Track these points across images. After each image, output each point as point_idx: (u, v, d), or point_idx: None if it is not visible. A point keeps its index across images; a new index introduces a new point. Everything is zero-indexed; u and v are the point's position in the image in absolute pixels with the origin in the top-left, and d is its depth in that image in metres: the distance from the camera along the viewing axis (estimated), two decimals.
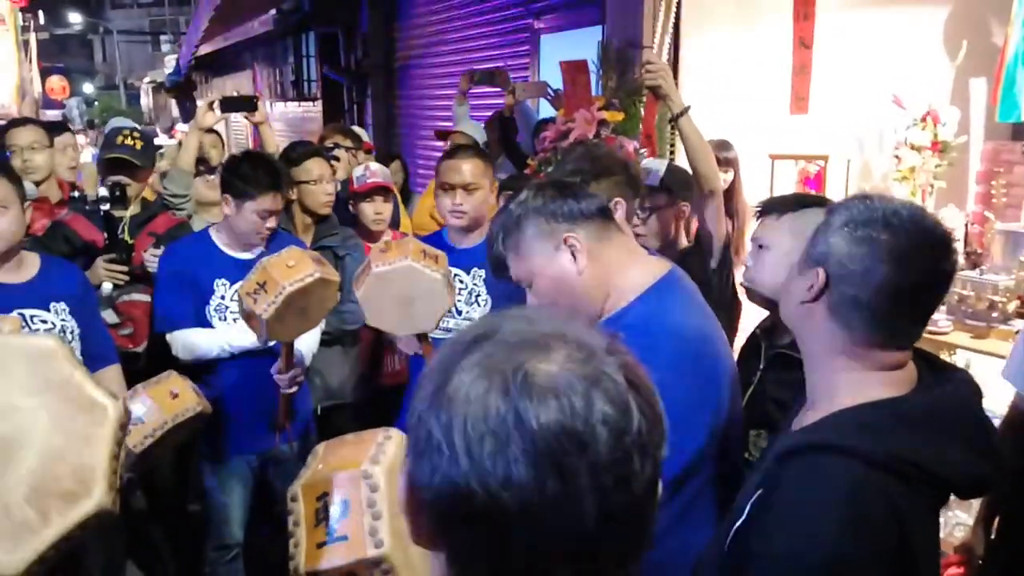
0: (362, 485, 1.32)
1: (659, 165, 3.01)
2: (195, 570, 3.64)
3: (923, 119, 3.88)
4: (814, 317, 1.34)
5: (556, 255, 1.76)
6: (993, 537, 2.40)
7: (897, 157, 3.90)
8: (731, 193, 3.62)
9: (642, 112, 3.87)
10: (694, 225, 3.07)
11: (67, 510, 1.51)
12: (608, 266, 1.78)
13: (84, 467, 1.55)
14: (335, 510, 1.31)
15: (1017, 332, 3.07)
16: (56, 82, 25.06)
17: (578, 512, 0.70)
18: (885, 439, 1.24)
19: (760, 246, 2.11)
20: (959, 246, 3.57)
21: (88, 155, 9.91)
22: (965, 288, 3.30)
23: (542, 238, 1.77)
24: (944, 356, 2.80)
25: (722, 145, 3.62)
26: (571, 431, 0.70)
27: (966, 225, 3.72)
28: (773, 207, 2.12)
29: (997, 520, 2.39)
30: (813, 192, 3.90)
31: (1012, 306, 3.17)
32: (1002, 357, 2.91)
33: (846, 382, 1.32)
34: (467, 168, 2.95)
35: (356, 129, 5.69)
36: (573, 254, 1.75)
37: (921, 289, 1.29)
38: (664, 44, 3.13)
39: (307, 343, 3.08)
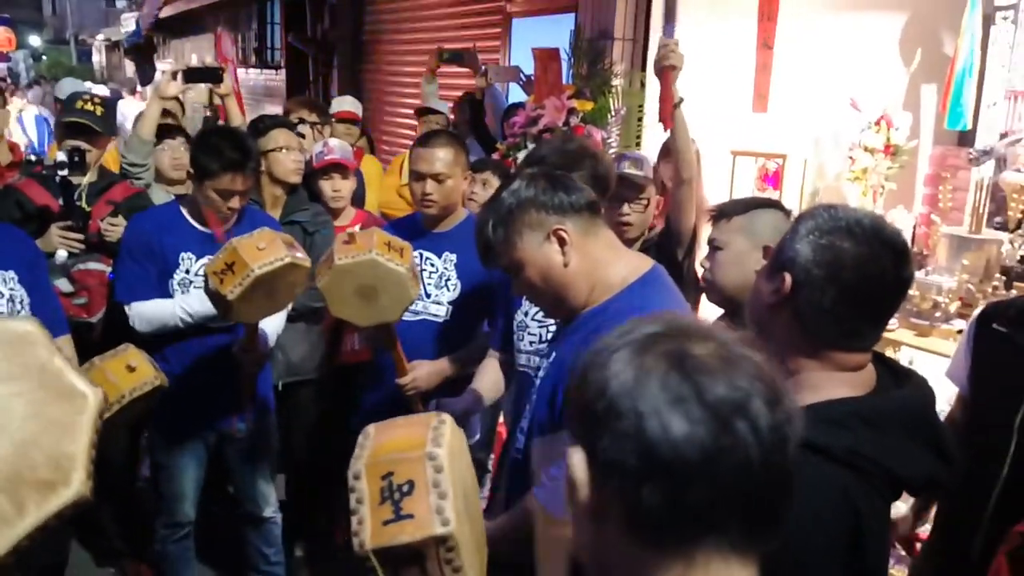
0: (427, 466, 1.36)
1: (643, 157, 3.10)
2: (144, 547, 3.63)
3: (877, 122, 4.01)
4: (779, 319, 1.43)
5: (544, 246, 1.82)
6: (930, 530, 2.51)
7: (851, 158, 4.03)
8: None
9: (612, 103, 3.99)
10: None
11: (43, 500, 1.48)
12: (594, 260, 1.84)
13: (62, 456, 1.51)
14: (401, 489, 1.35)
15: (959, 332, 3.22)
16: (2, 33, 24.13)
17: (746, 464, 0.82)
18: (845, 436, 1.32)
19: (715, 247, 2.21)
20: None
21: (32, 114, 9.62)
22: (911, 288, 3.42)
23: (532, 228, 1.82)
24: (889, 353, 2.92)
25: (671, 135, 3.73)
26: (737, 400, 0.83)
27: (914, 227, 3.86)
28: (725, 210, 2.23)
29: (934, 512, 2.50)
30: (770, 189, 4.04)
31: (954, 307, 3.32)
32: (943, 355, 3.05)
33: (809, 381, 1.41)
34: (438, 158, 2.94)
35: (342, 99, 5.63)
36: (561, 246, 1.81)
37: (880, 295, 1.39)
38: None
39: (272, 324, 3.08)
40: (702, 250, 3.28)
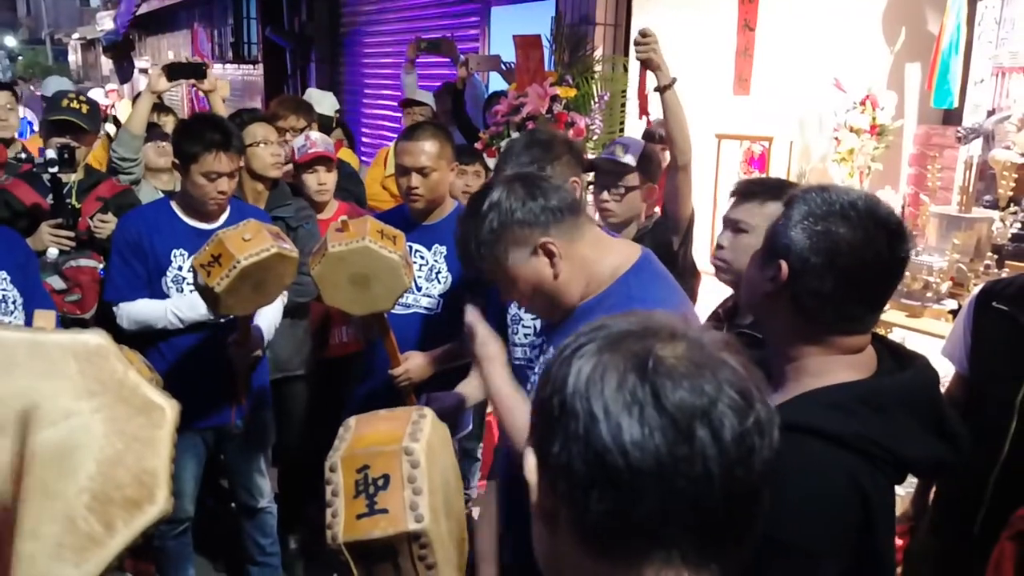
0: (403, 461, 1.35)
1: (636, 143, 3.05)
2: (142, 543, 3.64)
3: (862, 102, 4.00)
4: (777, 307, 1.40)
5: (532, 260, 1.78)
6: (931, 508, 2.51)
7: (836, 139, 4.01)
8: None
9: (595, 89, 3.95)
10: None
11: (131, 518, 1.46)
12: (583, 261, 1.80)
13: (145, 472, 1.49)
14: (376, 483, 1.34)
15: (950, 311, 3.21)
16: None
17: (704, 477, 0.76)
18: (850, 419, 1.30)
19: (740, 229, 2.15)
20: None
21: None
22: None
23: (517, 245, 1.77)
24: (880, 333, 2.91)
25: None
26: (699, 406, 0.76)
27: (903, 207, 3.85)
28: (755, 191, 2.17)
29: (934, 491, 2.50)
30: (756, 172, 4.02)
31: (945, 286, 3.31)
32: (935, 335, 3.04)
33: (811, 366, 1.39)
34: (423, 151, 2.90)
35: (321, 95, 5.56)
36: (550, 258, 1.77)
37: (878, 277, 1.36)
38: None
39: (268, 319, 3.07)
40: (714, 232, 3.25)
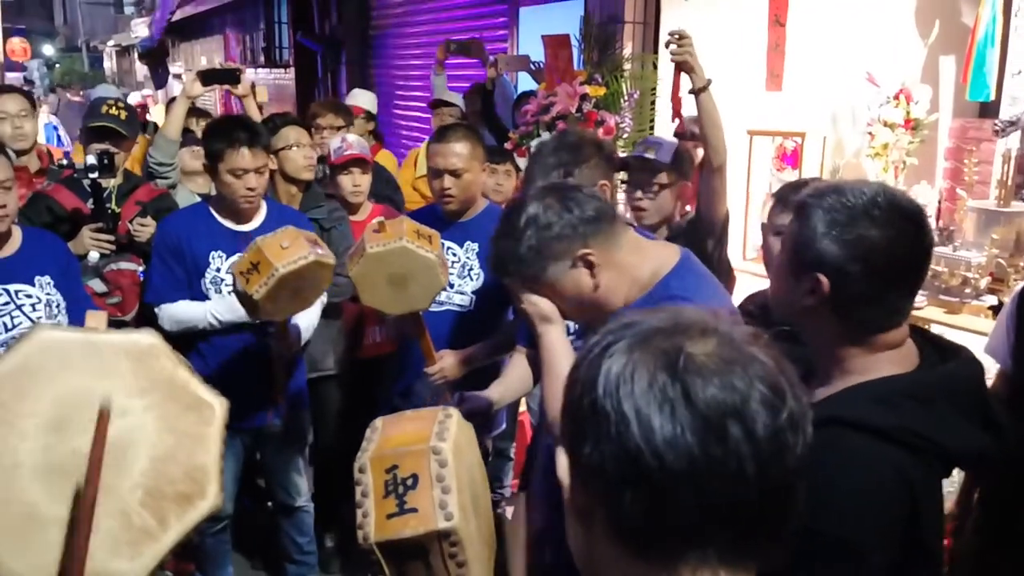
0: (431, 460, 1.36)
1: (668, 141, 3.02)
2: (186, 544, 3.69)
3: (896, 97, 3.95)
4: (818, 317, 1.39)
5: (572, 273, 1.74)
6: (976, 506, 2.49)
7: (870, 134, 3.98)
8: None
9: (624, 87, 3.94)
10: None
11: (183, 513, 1.50)
12: (624, 267, 1.77)
13: (196, 468, 1.52)
14: (405, 483, 1.36)
15: (989, 307, 3.16)
16: (17, 44, 24.33)
17: (739, 475, 0.75)
18: (894, 412, 1.30)
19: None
20: (932, 222, 3.66)
21: (42, 122, 9.68)
22: (939, 264, 3.37)
23: (556, 259, 1.73)
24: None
25: (697, 120, 3.67)
26: (731, 403, 0.76)
27: (939, 202, 3.80)
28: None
29: (979, 489, 2.47)
30: (788, 168, 3.99)
31: (984, 282, 3.27)
32: (975, 332, 3.00)
33: (856, 365, 1.38)
34: (454, 152, 2.92)
35: (355, 93, 5.60)
36: (590, 269, 1.73)
37: (911, 268, 1.37)
38: None
39: (306, 319, 3.09)
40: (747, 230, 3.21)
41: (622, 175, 3.06)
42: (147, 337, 1.61)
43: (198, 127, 4.61)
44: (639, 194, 2.93)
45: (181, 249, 3.03)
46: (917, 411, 1.31)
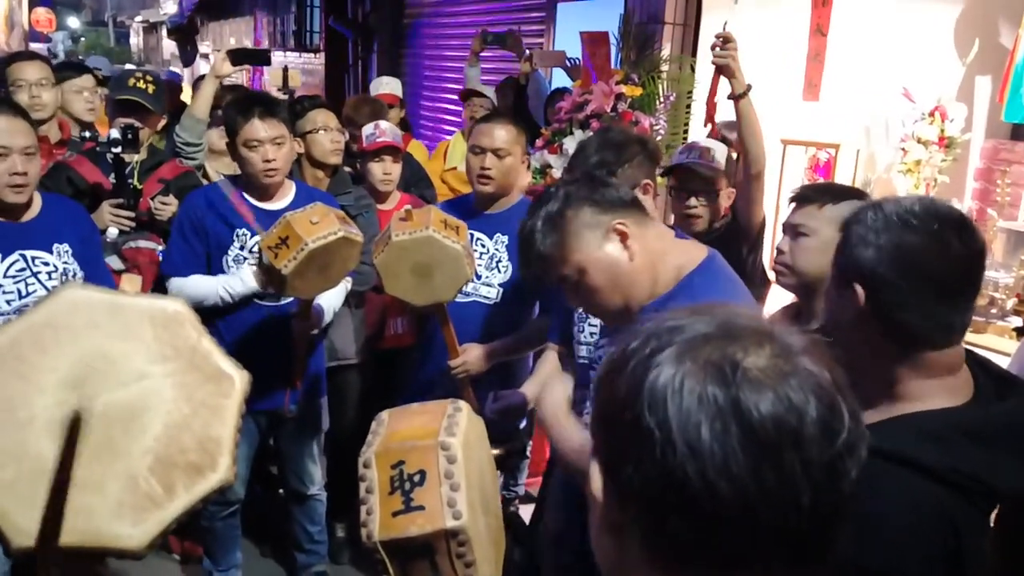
0: (440, 456, 1.31)
1: (719, 145, 2.99)
2: (191, 524, 3.69)
3: (931, 114, 3.93)
4: (864, 332, 1.36)
5: (605, 244, 1.74)
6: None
7: (903, 150, 3.96)
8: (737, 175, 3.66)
9: (661, 89, 3.93)
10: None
11: (192, 484, 1.47)
12: (653, 251, 1.77)
13: (210, 439, 1.50)
14: (412, 479, 1.30)
15: (1014, 329, 3.15)
16: (43, 14, 24.32)
17: (792, 504, 0.71)
18: (947, 453, 1.25)
19: (800, 233, 2.15)
20: None
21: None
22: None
23: (590, 228, 1.73)
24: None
25: (731, 126, 3.66)
26: (788, 425, 0.71)
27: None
28: (812, 196, 2.17)
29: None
30: (820, 179, 3.97)
31: (1011, 303, 3.26)
32: (998, 352, 2.98)
33: (907, 391, 1.34)
34: (500, 133, 2.92)
35: (380, 80, 5.59)
36: (623, 241, 1.73)
37: (956, 275, 1.32)
38: None
39: (328, 300, 3.09)
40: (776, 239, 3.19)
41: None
42: (174, 304, 1.61)
43: None
44: (694, 201, 2.89)
45: (204, 225, 3.02)
46: (972, 451, 1.26)
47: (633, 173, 2.52)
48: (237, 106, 3.03)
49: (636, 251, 1.74)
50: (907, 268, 1.30)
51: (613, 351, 0.81)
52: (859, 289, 1.34)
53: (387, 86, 5.41)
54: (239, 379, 1.57)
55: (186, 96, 8.89)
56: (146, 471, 1.47)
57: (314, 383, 3.32)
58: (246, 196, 3.10)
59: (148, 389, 1.51)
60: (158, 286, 3.40)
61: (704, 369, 0.72)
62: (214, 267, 3.05)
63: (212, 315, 3.03)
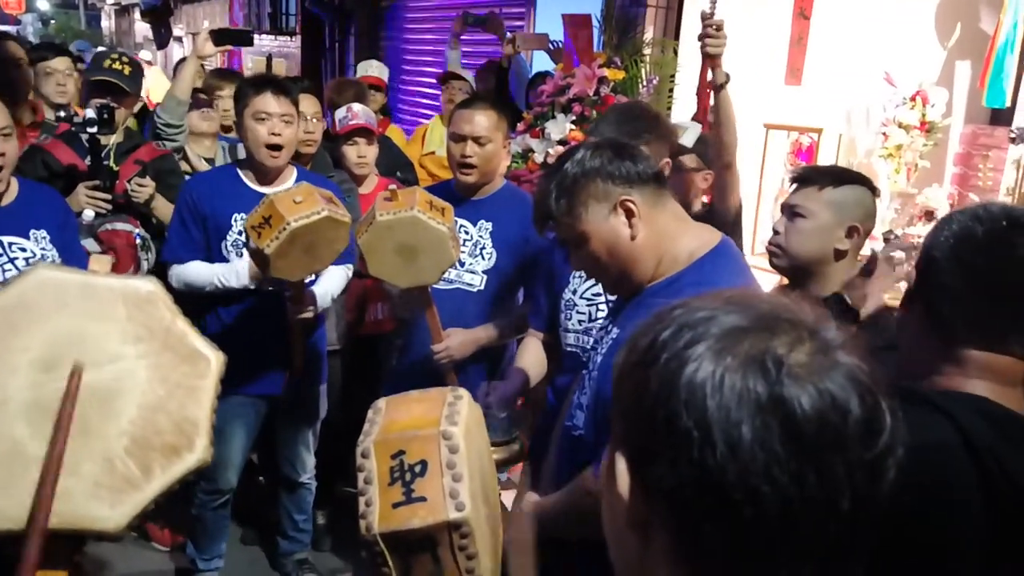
0: (441, 445, 1.28)
1: (694, 124, 2.98)
2: (167, 509, 3.64)
3: (912, 98, 3.94)
4: (910, 315, 1.34)
5: (611, 218, 1.73)
6: None
7: (884, 134, 3.97)
8: None
9: (643, 72, 3.91)
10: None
11: (169, 464, 1.47)
12: (661, 232, 1.75)
13: (186, 420, 1.49)
14: (412, 469, 1.27)
15: None
16: None
17: (832, 509, 0.68)
18: (994, 435, 1.19)
19: (797, 214, 2.13)
20: None
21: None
22: None
23: (597, 200, 1.73)
24: None
25: (715, 115, 3.64)
26: (830, 423, 0.68)
27: (950, 206, 3.81)
28: (813, 178, 2.15)
29: None
30: (802, 164, 3.97)
31: None
32: None
33: (945, 381, 1.28)
34: (480, 119, 2.87)
35: (368, 63, 5.54)
36: (628, 218, 1.72)
37: (1013, 278, 1.25)
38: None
39: (324, 286, 3.06)
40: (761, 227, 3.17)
41: None
42: (147, 284, 1.59)
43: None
44: None
45: (202, 210, 3.00)
46: (1012, 449, 1.19)
47: (654, 150, 2.40)
48: (251, 81, 3.06)
49: (640, 229, 1.72)
50: (960, 254, 1.26)
51: (636, 339, 0.77)
52: (914, 270, 1.33)
53: (375, 69, 5.36)
54: (215, 359, 1.56)
55: (157, 78, 8.78)
56: (123, 452, 1.46)
57: (314, 370, 3.28)
58: (245, 180, 3.07)
59: (123, 370, 1.50)
60: (158, 266, 3.37)
61: (745, 364, 0.69)
62: (213, 252, 3.03)
63: (215, 299, 3.04)
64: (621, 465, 0.76)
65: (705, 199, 3.10)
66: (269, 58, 5.61)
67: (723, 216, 2.85)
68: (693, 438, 0.68)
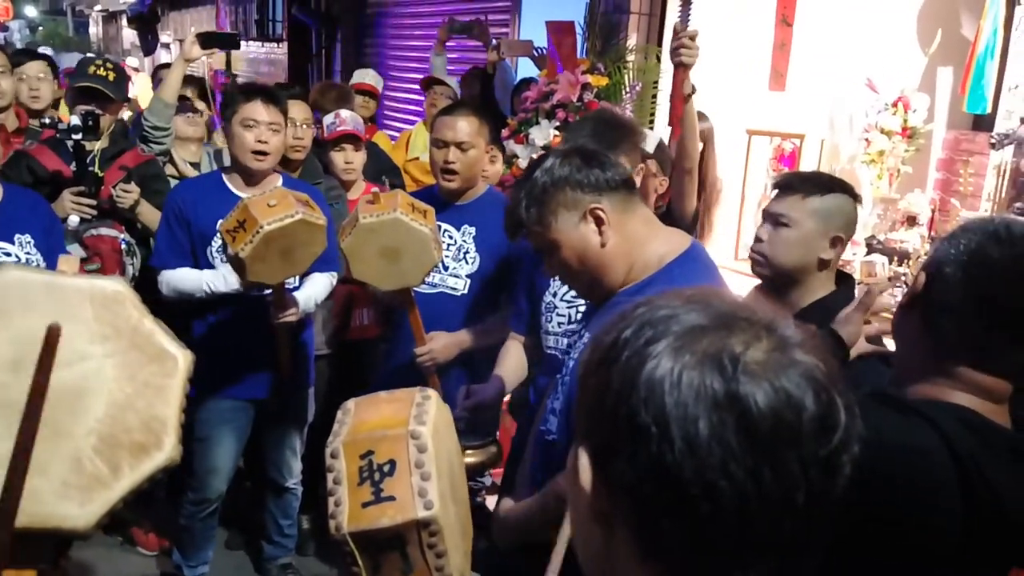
0: (410, 445, 1.29)
1: (652, 133, 3.01)
2: (151, 514, 3.65)
3: (894, 104, 3.97)
4: (908, 322, 1.32)
5: (580, 226, 1.74)
6: None
7: (867, 140, 3.99)
8: (702, 166, 3.65)
9: (627, 78, 3.93)
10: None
11: (137, 463, 1.47)
12: (631, 238, 1.77)
13: (155, 419, 1.50)
14: (381, 469, 1.28)
15: None
16: None
17: (788, 504, 0.69)
18: (975, 442, 1.19)
19: (780, 222, 2.12)
20: (924, 231, 3.68)
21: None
22: None
23: (567, 208, 1.74)
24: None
25: (697, 116, 3.65)
26: (785, 420, 0.69)
27: (932, 211, 3.83)
28: (797, 185, 2.14)
29: None
30: (785, 169, 3.99)
31: None
32: None
33: (933, 390, 1.27)
34: (462, 125, 2.88)
35: (365, 71, 5.55)
36: (598, 225, 1.73)
37: (1017, 301, 1.23)
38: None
39: (306, 291, 3.07)
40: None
41: None
42: (113, 284, 1.59)
43: (193, 96, 4.55)
44: None
45: (187, 216, 3.01)
46: (993, 461, 1.18)
47: (628, 156, 2.46)
48: (242, 88, 3.08)
49: (610, 236, 1.73)
50: (966, 269, 1.24)
51: (600, 337, 0.78)
52: (922, 276, 1.30)
53: (371, 78, 5.36)
54: (182, 358, 1.56)
55: (145, 85, 8.76)
56: (91, 451, 1.46)
57: (301, 375, 3.28)
58: (230, 186, 3.07)
59: (89, 369, 1.50)
60: (144, 271, 3.37)
61: (702, 362, 0.70)
62: (199, 258, 3.04)
63: (203, 305, 3.05)
64: (584, 460, 0.77)
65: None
66: (228, 52, 5.55)
67: (680, 221, 2.87)
68: (652, 434, 0.69)
